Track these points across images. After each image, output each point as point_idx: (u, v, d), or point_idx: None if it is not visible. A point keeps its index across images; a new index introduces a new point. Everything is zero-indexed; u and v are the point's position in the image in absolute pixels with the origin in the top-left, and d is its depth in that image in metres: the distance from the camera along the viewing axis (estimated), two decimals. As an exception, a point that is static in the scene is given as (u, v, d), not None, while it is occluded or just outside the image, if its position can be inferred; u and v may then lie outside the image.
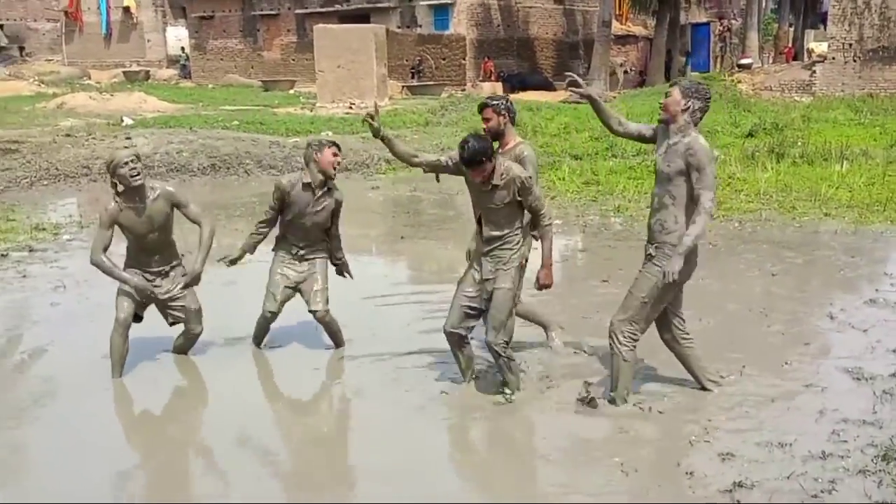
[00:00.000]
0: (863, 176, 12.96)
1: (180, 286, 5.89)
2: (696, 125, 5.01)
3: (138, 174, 5.59)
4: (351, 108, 24.75)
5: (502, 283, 5.22)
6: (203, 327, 6.05)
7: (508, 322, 5.25)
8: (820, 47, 29.27)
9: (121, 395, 5.59)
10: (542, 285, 5.36)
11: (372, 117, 5.47)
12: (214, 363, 6.08)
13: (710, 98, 5.12)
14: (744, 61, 33.46)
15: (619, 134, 5.46)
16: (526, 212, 5.27)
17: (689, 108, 4.98)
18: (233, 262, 6.16)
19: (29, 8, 51.12)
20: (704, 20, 44.30)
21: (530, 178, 5.22)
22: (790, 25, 43.94)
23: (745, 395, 5.34)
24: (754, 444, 4.65)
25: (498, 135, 5.70)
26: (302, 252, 6.12)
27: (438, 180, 5.93)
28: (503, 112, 5.68)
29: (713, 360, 5.84)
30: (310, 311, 6.10)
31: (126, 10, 46.05)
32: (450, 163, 5.36)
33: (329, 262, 6.27)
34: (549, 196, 12.49)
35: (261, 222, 6.12)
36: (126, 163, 5.57)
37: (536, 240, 5.42)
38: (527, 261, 5.39)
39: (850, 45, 27.21)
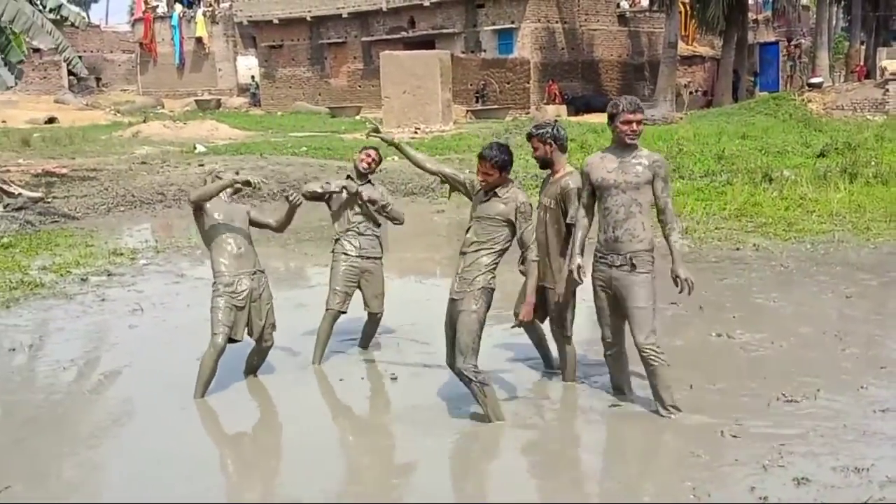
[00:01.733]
0: (940, 196, 12.63)
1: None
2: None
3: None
4: (416, 132, 25.01)
5: (466, 306, 5.21)
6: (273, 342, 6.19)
7: (478, 345, 5.23)
8: (893, 65, 28.62)
9: (198, 415, 5.72)
10: (520, 321, 5.45)
11: (377, 129, 5.79)
12: (285, 384, 6.19)
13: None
14: (814, 80, 32.87)
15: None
16: (509, 242, 5.32)
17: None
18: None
19: (105, 40, 53.03)
20: (773, 40, 43.71)
21: (529, 204, 5.27)
22: (861, 43, 43.04)
23: (820, 418, 5.24)
24: (830, 468, 4.57)
25: (546, 163, 5.80)
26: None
27: (450, 196, 6.00)
28: (549, 140, 5.74)
29: (786, 384, 5.77)
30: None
31: (198, 40, 47.36)
32: (467, 182, 5.51)
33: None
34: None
35: None
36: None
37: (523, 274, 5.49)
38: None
39: (925, 61, 26.54)
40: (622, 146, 5.32)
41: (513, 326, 5.71)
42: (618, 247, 5.32)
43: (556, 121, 6.22)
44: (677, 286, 5.32)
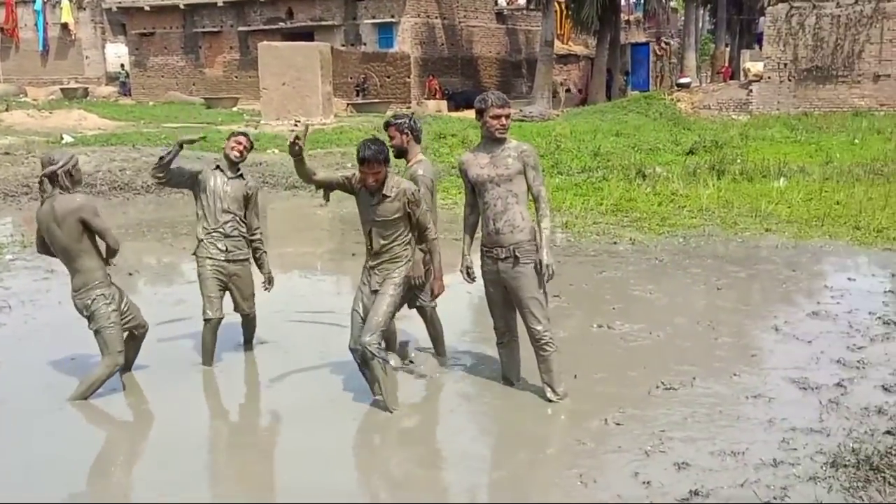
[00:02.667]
0: (801, 192, 13.32)
1: None
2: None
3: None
4: (296, 125, 24.65)
5: (386, 290, 5.41)
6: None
7: (385, 326, 5.38)
8: (756, 67, 30.03)
9: (77, 416, 5.48)
10: (435, 295, 5.85)
11: (298, 138, 5.42)
12: (170, 383, 6.02)
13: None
14: (682, 80, 34.24)
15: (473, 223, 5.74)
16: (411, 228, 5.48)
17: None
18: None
19: (-38, 24, 50.03)
20: (644, 40, 45.19)
21: (419, 191, 5.48)
22: (726, 45, 45.02)
23: (697, 405, 5.46)
24: (708, 453, 4.76)
25: (402, 152, 6.04)
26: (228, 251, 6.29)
27: (327, 199, 5.92)
28: (405, 130, 6.01)
29: (664, 372, 5.98)
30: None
31: (64, 26, 45.32)
32: (343, 180, 5.51)
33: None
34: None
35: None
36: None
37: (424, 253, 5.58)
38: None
39: (786, 64, 27.99)
40: (492, 140, 5.43)
41: (431, 300, 6.01)
42: (500, 239, 5.42)
43: (413, 114, 6.34)
44: (539, 272, 5.38)
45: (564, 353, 6.38)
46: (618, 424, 5.17)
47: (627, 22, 44.97)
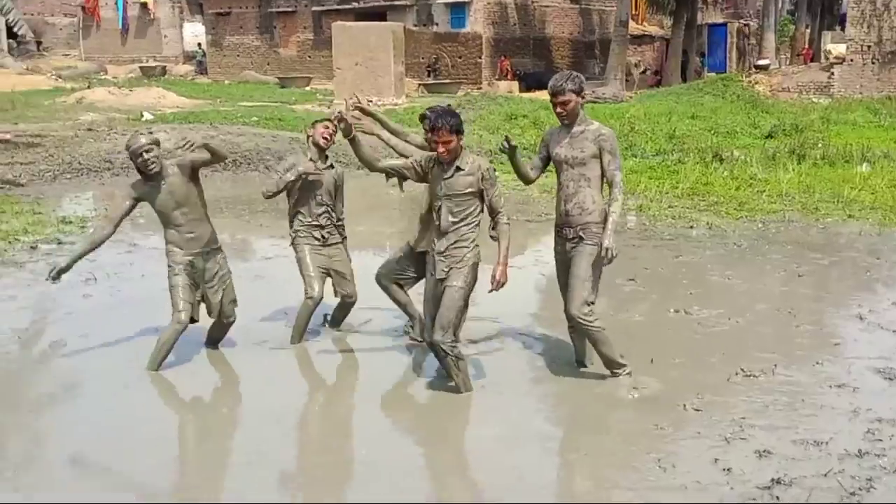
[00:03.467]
0: (885, 178, 12.94)
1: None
2: None
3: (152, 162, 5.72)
4: (368, 105, 24.81)
5: (454, 282, 5.21)
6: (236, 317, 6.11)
7: (460, 321, 5.29)
8: (838, 49, 29.18)
9: (155, 386, 5.64)
10: (497, 282, 5.15)
11: (342, 117, 5.45)
12: (247, 359, 6.13)
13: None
14: (761, 62, 33.44)
15: (534, 180, 5.78)
16: (483, 212, 5.30)
17: (582, 102, 5.42)
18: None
19: (47, 3, 51.39)
20: (721, 21, 44.21)
21: (495, 170, 5.30)
22: (807, 27, 43.81)
23: (778, 393, 5.36)
24: (790, 441, 4.67)
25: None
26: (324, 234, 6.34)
27: (402, 189, 5.92)
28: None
29: (744, 359, 5.88)
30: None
31: (143, 5, 46.21)
32: (412, 164, 5.37)
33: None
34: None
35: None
36: (141, 154, 5.68)
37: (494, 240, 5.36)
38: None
39: (869, 46, 27.12)
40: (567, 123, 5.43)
41: (490, 291, 5.32)
42: (569, 220, 5.42)
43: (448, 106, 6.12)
44: (600, 255, 5.30)
45: (640, 336, 6.40)
46: (696, 410, 5.11)
47: (705, 2, 43.92)
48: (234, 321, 6.12)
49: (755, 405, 5.18)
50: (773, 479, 4.23)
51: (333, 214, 6.38)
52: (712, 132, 18.86)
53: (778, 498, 4.09)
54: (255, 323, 6.67)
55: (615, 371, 5.51)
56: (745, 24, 44.71)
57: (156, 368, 5.71)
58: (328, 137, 6.27)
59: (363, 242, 10.02)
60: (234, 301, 6.06)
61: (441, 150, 5.17)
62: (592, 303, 5.41)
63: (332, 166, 6.39)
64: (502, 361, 6.02)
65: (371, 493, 4.26)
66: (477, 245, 5.30)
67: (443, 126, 5.10)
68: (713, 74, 34.85)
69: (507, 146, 5.35)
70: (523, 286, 8.12)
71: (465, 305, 5.32)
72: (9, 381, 5.76)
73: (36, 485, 4.37)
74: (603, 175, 5.39)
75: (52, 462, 4.63)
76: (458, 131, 5.17)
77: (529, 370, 5.91)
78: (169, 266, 5.82)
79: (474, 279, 5.31)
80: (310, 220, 6.29)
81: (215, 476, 4.54)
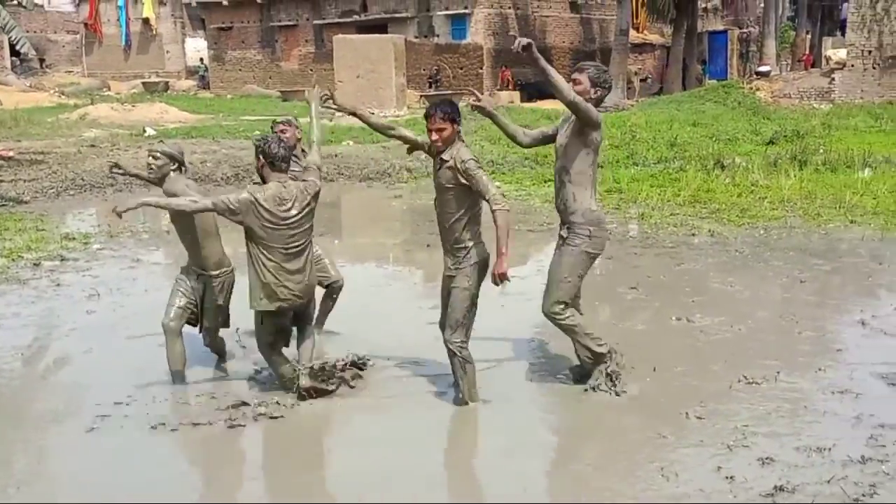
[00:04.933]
0: (886, 183, 12.93)
1: None
2: (598, 106, 5.40)
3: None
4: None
5: (458, 283, 5.18)
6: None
7: (469, 320, 5.23)
8: (838, 54, 29.20)
9: (162, 402, 5.65)
10: (498, 276, 4.93)
11: (331, 97, 5.71)
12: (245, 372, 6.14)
13: (611, 86, 5.56)
14: (762, 69, 33.49)
15: (526, 145, 5.82)
16: (478, 202, 5.16)
17: (597, 95, 5.36)
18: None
19: (49, 20, 51.75)
20: (721, 28, 44.27)
21: (472, 160, 5.01)
22: (807, 33, 43.88)
23: (781, 400, 5.36)
24: (793, 448, 4.67)
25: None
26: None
27: (409, 152, 5.85)
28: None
29: (746, 366, 5.88)
30: None
31: (145, 21, 46.47)
32: (426, 144, 5.34)
33: None
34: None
35: None
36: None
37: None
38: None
39: (870, 51, 27.17)
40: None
41: (499, 284, 5.06)
42: (560, 215, 5.49)
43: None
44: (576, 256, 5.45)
45: (643, 344, 6.40)
46: (699, 418, 5.11)
47: (705, 9, 44.11)
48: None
49: (758, 412, 5.18)
50: (776, 487, 4.23)
51: None
52: (714, 139, 18.89)
53: (781, 505, 4.10)
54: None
55: (600, 363, 5.47)
56: (746, 31, 44.77)
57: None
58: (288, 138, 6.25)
59: (366, 255, 10.06)
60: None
61: (434, 137, 5.11)
62: (566, 303, 5.39)
63: (297, 160, 6.23)
64: (506, 372, 6.02)
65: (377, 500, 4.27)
66: (481, 242, 5.19)
67: (435, 112, 5.08)
68: (714, 82, 34.93)
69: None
70: (527, 295, 8.14)
71: (473, 305, 5.23)
72: (13, 398, 5.78)
73: (40, 501, 4.38)
74: (585, 171, 5.34)
75: (55, 478, 4.64)
76: (453, 119, 5.08)
77: (533, 380, 5.90)
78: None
79: (480, 278, 5.21)
80: None
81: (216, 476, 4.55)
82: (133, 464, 4.75)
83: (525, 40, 5.13)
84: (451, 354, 5.24)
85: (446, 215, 5.18)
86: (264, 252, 5.24)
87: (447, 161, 5.07)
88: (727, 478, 4.36)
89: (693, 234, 10.31)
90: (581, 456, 4.84)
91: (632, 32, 36.42)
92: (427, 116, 5.14)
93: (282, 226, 5.23)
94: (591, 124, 5.28)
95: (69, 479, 4.62)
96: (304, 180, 5.41)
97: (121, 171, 6.46)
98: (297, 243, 5.30)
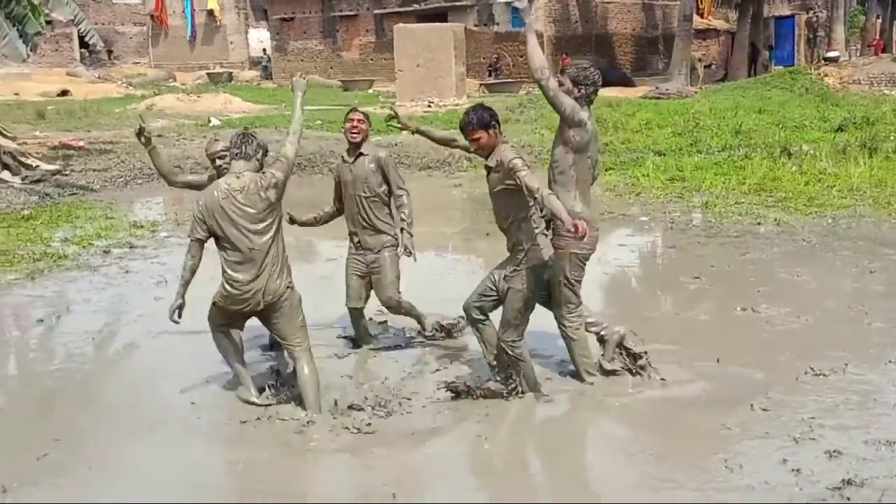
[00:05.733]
0: (962, 170, 12.55)
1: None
2: (589, 105, 5.34)
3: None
4: (430, 106, 24.91)
5: (514, 284, 5.14)
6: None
7: (522, 321, 5.18)
8: (911, 39, 28.35)
9: (226, 387, 5.75)
10: (575, 226, 4.59)
11: (395, 116, 5.81)
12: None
13: (599, 81, 5.42)
14: (830, 54, 32.68)
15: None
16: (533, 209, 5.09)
17: (581, 93, 5.27)
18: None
19: (117, 13, 52.79)
20: (788, 13, 43.27)
21: (517, 159, 4.89)
22: (878, 17, 42.64)
23: (849, 392, 5.25)
24: (861, 441, 4.58)
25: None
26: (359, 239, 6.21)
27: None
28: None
29: (813, 358, 5.77)
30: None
31: (210, 13, 47.11)
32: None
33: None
34: (634, 192, 12.42)
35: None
36: (223, 156, 5.88)
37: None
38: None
39: (944, 35, 26.28)
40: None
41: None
42: (544, 218, 5.33)
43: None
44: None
45: (707, 335, 6.34)
46: (764, 410, 5.03)
47: (771, -6, 43.19)
48: None
49: (825, 404, 5.08)
50: (843, 480, 4.15)
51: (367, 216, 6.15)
52: (780, 126, 18.49)
53: (849, 499, 4.02)
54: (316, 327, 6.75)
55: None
56: (814, 16, 43.68)
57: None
58: (358, 131, 6.07)
59: (426, 243, 10.08)
60: None
61: (474, 147, 5.13)
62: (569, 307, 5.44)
63: (362, 153, 6.10)
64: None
65: (437, 490, 4.30)
66: (537, 245, 5.11)
67: (468, 123, 5.07)
68: (780, 68, 34.13)
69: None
70: (587, 285, 8.09)
71: (527, 307, 5.20)
72: (84, 382, 5.94)
73: (111, 483, 4.51)
74: (569, 173, 5.28)
75: (127, 460, 4.76)
76: (486, 125, 5.02)
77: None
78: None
79: (535, 280, 5.15)
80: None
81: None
82: (196, 453, 4.86)
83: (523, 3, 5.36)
84: (504, 353, 5.25)
85: (501, 219, 5.19)
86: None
87: (493, 166, 5.08)
88: (793, 470, 4.30)
89: (759, 223, 10.13)
90: (644, 446, 4.79)
91: (696, 18, 35.81)
92: (461, 129, 5.13)
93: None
94: (564, 118, 5.21)
95: (137, 463, 4.74)
96: (263, 173, 5.21)
97: None
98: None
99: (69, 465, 4.64)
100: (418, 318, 6.38)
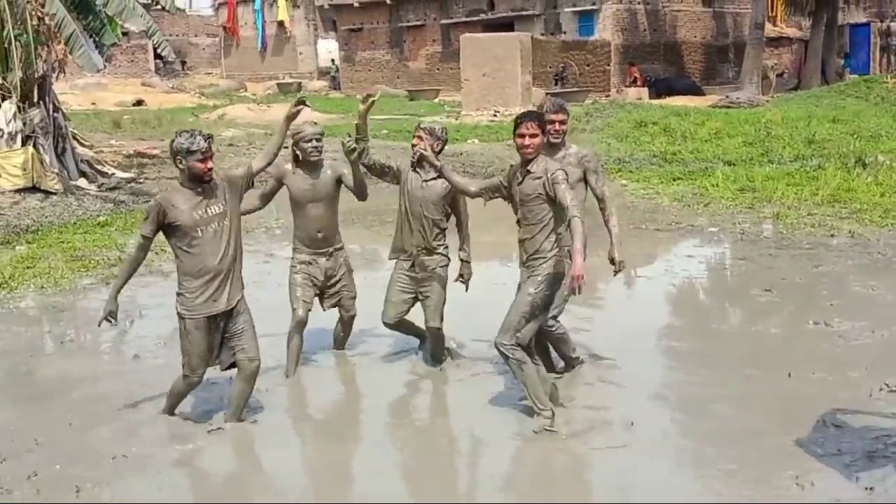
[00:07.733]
0: None
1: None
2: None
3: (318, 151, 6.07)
4: (495, 115, 24.93)
5: (526, 287, 5.09)
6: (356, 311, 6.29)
7: (523, 326, 5.03)
8: None
9: (281, 386, 5.84)
10: (575, 277, 4.59)
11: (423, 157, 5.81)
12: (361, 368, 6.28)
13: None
14: (907, 62, 31.76)
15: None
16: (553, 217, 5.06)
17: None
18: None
19: (190, 24, 54.09)
20: (864, 20, 42.24)
21: (560, 171, 4.96)
22: (958, 24, 41.35)
23: (926, 410, 5.10)
24: (940, 461, 4.45)
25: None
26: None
27: (485, 203, 5.69)
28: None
29: (889, 374, 5.61)
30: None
31: (280, 24, 47.99)
32: (501, 183, 5.32)
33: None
34: (703, 203, 12.25)
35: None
36: (310, 139, 6.03)
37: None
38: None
39: None
40: (546, 146, 5.33)
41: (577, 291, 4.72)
42: None
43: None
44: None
45: (778, 349, 6.21)
46: (836, 426, 4.92)
47: (846, 1, 42.17)
48: (354, 314, 6.34)
49: (900, 422, 4.95)
50: (921, 501, 4.04)
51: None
52: (855, 136, 18.04)
53: (926, 520, 3.90)
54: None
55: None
56: (890, 24, 42.55)
57: (292, 374, 5.98)
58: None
59: (490, 253, 10.10)
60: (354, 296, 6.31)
61: (527, 142, 5.04)
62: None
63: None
64: (636, 372, 5.94)
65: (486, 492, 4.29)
66: (559, 258, 5.06)
67: (529, 119, 5.07)
68: (855, 76, 33.33)
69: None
70: (654, 297, 8.02)
71: (534, 313, 5.06)
72: (156, 385, 6.08)
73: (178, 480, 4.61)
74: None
75: (199, 465, 4.88)
76: (544, 129, 5.14)
77: (665, 383, 5.81)
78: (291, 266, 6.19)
79: (549, 288, 5.07)
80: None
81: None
82: (266, 452, 4.94)
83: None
84: (505, 358, 5.10)
85: (529, 226, 5.11)
86: None
87: (533, 172, 5.06)
88: (866, 489, 4.19)
89: (832, 235, 9.91)
90: (712, 462, 4.72)
91: (768, 26, 35.17)
92: (519, 123, 5.10)
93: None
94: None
95: (212, 466, 4.84)
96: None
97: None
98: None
99: (145, 467, 4.77)
100: (435, 350, 6.28)
